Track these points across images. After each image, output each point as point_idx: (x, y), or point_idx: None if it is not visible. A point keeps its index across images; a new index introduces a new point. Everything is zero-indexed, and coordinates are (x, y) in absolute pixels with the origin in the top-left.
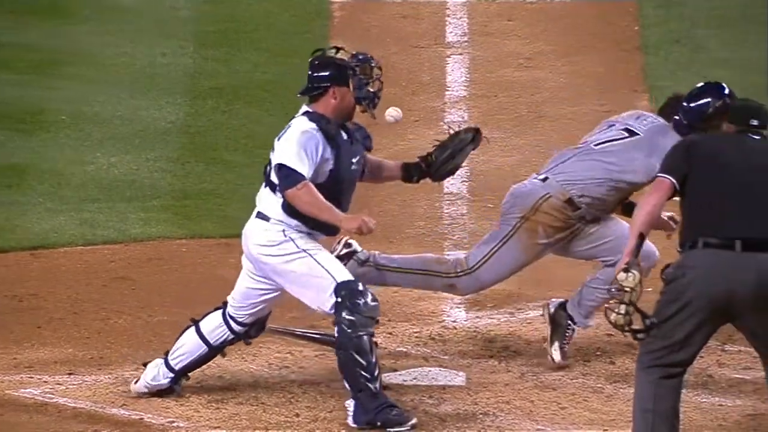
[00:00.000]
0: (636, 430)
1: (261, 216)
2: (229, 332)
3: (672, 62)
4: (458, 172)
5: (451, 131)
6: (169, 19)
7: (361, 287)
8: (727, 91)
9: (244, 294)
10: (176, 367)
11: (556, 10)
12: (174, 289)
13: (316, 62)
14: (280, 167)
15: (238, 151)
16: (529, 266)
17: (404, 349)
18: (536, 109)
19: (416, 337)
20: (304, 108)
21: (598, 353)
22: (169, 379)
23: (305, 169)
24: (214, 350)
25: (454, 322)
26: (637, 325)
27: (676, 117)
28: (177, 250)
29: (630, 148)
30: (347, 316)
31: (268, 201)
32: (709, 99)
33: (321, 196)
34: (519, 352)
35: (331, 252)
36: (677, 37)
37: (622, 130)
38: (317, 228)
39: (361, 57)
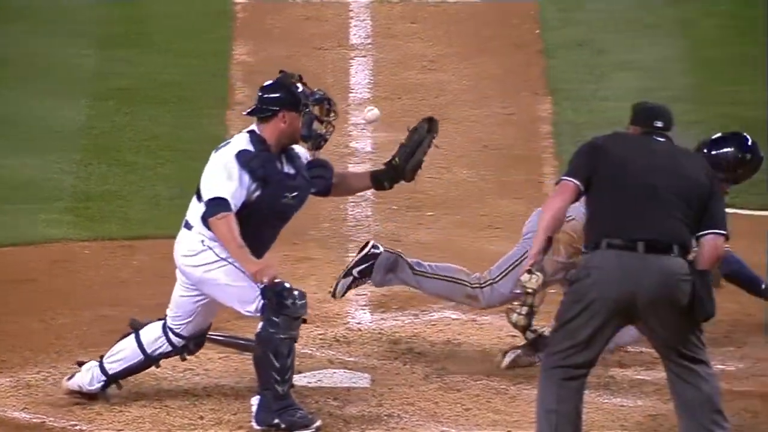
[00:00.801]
0: (539, 431)
1: (186, 225)
2: (167, 344)
3: (574, 65)
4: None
5: (408, 129)
6: (71, 19)
7: (287, 286)
8: (750, 144)
9: (179, 303)
10: (110, 372)
11: (458, 13)
12: (77, 291)
13: (268, 84)
14: (207, 192)
15: (140, 153)
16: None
17: (309, 351)
18: (440, 111)
19: (321, 339)
20: (252, 126)
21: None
22: (101, 383)
23: (230, 199)
24: (150, 360)
25: (358, 324)
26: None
27: None
28: (80, 252)
29: None
30: (272, 318)
31: (193, 210)
32: (730, 149)
33: (237, 232)
34: (423, 354)
35: (360, 253)
36: (579, 40)
37: None
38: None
39: (319, 95)
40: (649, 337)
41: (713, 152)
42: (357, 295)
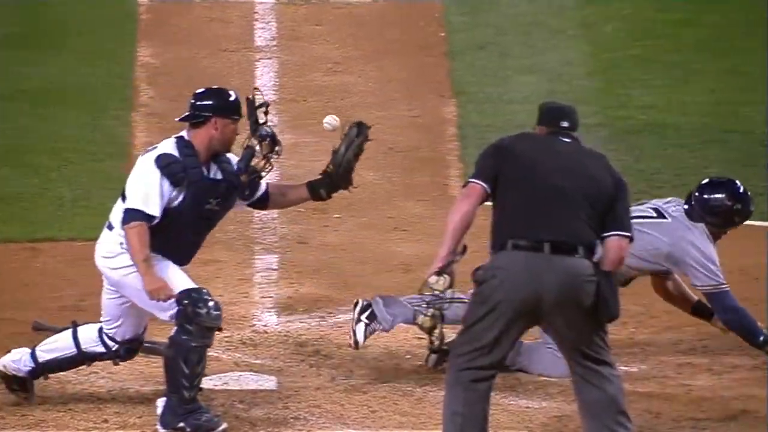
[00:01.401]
0: None
1: (108, 226)
2: (101, 345)
3: (478, 68)
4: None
5: (342, 135)
6: None
7: (204, 296)
8: (741, 193)
9: (105, 306)
10: (40, 359)
11: (363, 15)
12: None
13: (201, 91)
14: (128, 199)
15: (44, 155)
16: (337, 270)
17: (215, 354)
18: (346, 113)
19: (227, 341)
20: (183, 132)
21: (408, 356)
22: (29, 369)
23: (146, 209)
24: (82, 357)
25: (265, 326)
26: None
27: (690, 204)
28: None
29: (655, 229)
30: (186, 325)
31: (116, 211)
32: (721, 196)
33: (146, 244)
34: (330, 356)
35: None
36: (483, 43)
37: (651, 208)
38: (160, 252)
39: (265, 132)
40: (554, 339)
41: (705, 196)
42: (263, 297)
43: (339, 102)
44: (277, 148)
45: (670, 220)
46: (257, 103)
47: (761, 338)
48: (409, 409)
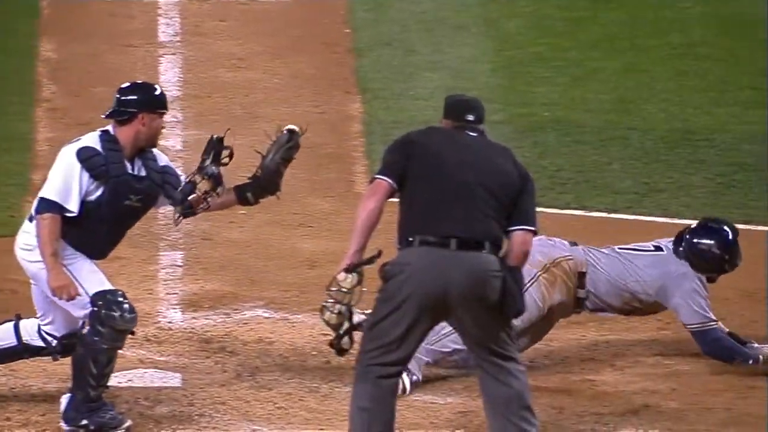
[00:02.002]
0: (352, 429)
1: (30, 217)
2: (39, 338)
3: (383, 65)
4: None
5: (271, 139)
6: None
7: (118, 298)
8: (730, 242)
9: (35, 300)
10: None
11: (268, 12)
12: None
13: (125, 86)
14: (44, 189)
15: None
16: (243, 266)
17: (119, 351)
18: (251, 109)
19: (131, 338)
20: (108, 126)
21: (314, 352)
22: None
23: (60, 200)
24: (23, 349)
25: (170, 323)
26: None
27: (680, 243)
28: None
29: (650, 261)
30: (98, 327)
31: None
32: (712, 242)
33: (55, 238)
34: (235, 353)
35: None
36: (388, 39)
37: (652, 245)
38: (75, 247)
39: (212, 172)
40: (461, 334)
41: (695, 240)
42: (168, 293)
43: (244, 98)
44: (218, 189)
45: (665, 252)
46: (224, 145)
47: (750, 361)
48: (316, 405)
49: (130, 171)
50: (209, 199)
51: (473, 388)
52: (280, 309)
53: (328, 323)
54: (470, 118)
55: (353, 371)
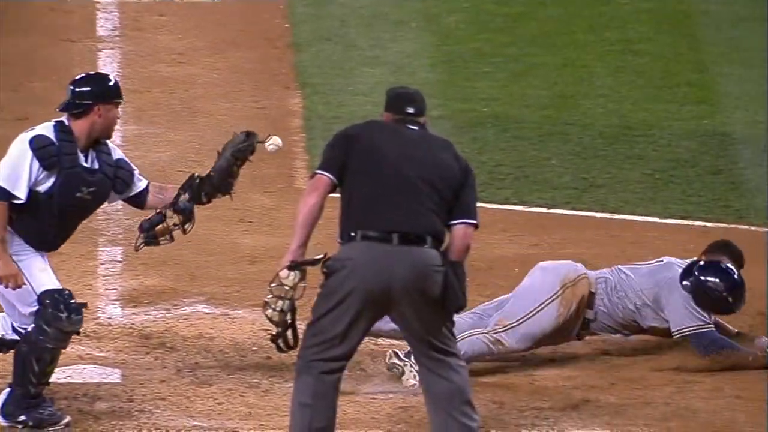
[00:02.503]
0: (293, 424)
1: None
2: (15, 334)
3: (323, 60)
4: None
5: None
6: None
7: (66, 299)
8: (739, 283)
9: None
10: None
11: (207, 6)
12: None
13: (80, 78)
14: None
15: None
16: (183, 262)
17: None
18: (191, 104)
19: None
20: (63, 117)
21: (254, 348)
22: None
23: (8, 187)
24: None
25: (109, 318)
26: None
27: (687, 280)
28: None
29: (647, 271)
30: (43, 326)
31: None
32: (719, 282)
33: (3, 225)
34: (175, 348)
35: None
36: (328, 35)
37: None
38: (25, 239)
39: (183, 207)
40: (402, 330)
41: (703, 277)
42: (107, 289)
43: (183, 93)
44: (186, 226)
45: (664, 262)
46: (204, 188)
47: (751, 357)
48: (256, 401)
49: (83, 163)
50: (173, 233)
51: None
52: (221, 304)
53: (270, 320)
54: (410, 110)
55: (295, 366)
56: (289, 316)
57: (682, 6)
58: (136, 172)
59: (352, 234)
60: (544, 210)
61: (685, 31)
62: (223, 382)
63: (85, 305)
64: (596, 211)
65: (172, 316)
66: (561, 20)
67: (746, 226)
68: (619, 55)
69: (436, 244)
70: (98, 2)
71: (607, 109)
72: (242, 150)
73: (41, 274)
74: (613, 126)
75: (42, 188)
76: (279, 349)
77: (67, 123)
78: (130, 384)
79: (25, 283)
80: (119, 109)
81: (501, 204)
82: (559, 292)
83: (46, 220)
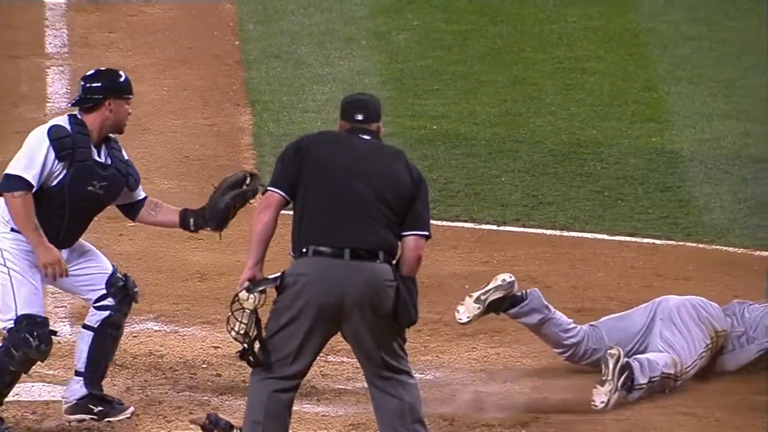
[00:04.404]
0: None
1: None
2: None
3: (273, 77)
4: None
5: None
6: None
7: (38, 328)
8: None
9: None
10: None
11: (156, 24)
12: None
13: (91, 73)
14: (11, 166)
15: None
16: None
17: None
18: (140, 121)
19: None
20: (76, 111)
21: (204, 366)
22: None
23: (29, 177)
24: None
25: (58, 336)
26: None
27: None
28: None
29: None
30: (11, 348)
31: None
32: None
33: (32, 213)
34: (125, 366)
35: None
36: (277, 52)
37: None
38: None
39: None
40: (354, 347)
41: None
42: (56, 307)
43: (133, 109)
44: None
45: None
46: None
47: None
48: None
49: (95, 157)
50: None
51: (364, 400)
52: (171, 322)
53: (235, 339)
54: (359, 117)
55: (247, 384)
56: (253, 332)
57: (630, 25)
58: None
59: (304, 250)
60: (494, 227)
61: (633, 49)
62: (173, 400)
63: (55, 333)
64: (546, 228)
65: (123, 333)
66: (510, 38)
67: (694, 244)
68: (569, 73)
69: (387, 258)
70: (47, 18)
71: (556, 127)
72: (244, 194)
73: (31, 296)
74: (563, 143)
75: (54, 181)
76: (249, 364)
77: (79, 116)
78: None
79: (65, 272)
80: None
81: (451, 221)
82: (710, 345)
83: (58, 215)
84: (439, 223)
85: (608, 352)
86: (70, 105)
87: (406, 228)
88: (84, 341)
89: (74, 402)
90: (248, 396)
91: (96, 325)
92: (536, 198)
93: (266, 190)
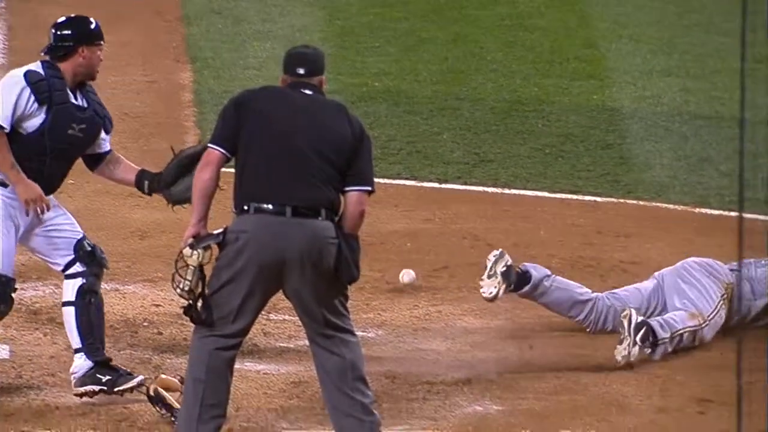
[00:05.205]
0: (186, 399)
1: None
2: None
3: (213, 33)
4: None
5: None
6: None
7: (3, 285)
8: None
9: None
10: None
11: None
12: None
13: (61, 21)
14: None
15: None
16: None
17: None
18: None
19: None
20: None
21: (146, 324)
22: None
23: (3, 119)
24: None
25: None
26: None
27: None
28: None
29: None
30: None
31: None
32: None
33: (8, 152)
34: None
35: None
36: (218, 8)
37: None
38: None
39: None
40: (295, 305)
41: None
42: None
43: None
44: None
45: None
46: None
47: None
48: (148, 375)
49: (72, 100)
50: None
51: (306, 358)
52: (111, 280)
53: (180, 296)
54: (301, 71)
55: (188, 342)
56: (198, 288)
57: None
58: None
59: (246, 207)
60: (436, 185)
61: (574, 6)
62: (114, 359)
63: (15, 290)
64: (487, 186)
65: (61, 292)
66: None
67: (635, 201)
68: (510, 30)
69: (330, 215)
70: None
71: (498, 84)
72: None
73: (2, 252)
74: (504, 101)
75: (33, 125)
76: (192, 320)
77: (49, 62)
78: (18, 360)
79: (47, 206)
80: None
81: (393, 179)
82: (724, 296)
83: (38, 161)
84: (381, 180)
85: (622, 314)
86: (42, 53)
87: (348, 183)
88: (69, 318)
89: (82, 375)
90: (190, 354)
91: (74, 298)
92: (478, 155)
93: (206, 147)
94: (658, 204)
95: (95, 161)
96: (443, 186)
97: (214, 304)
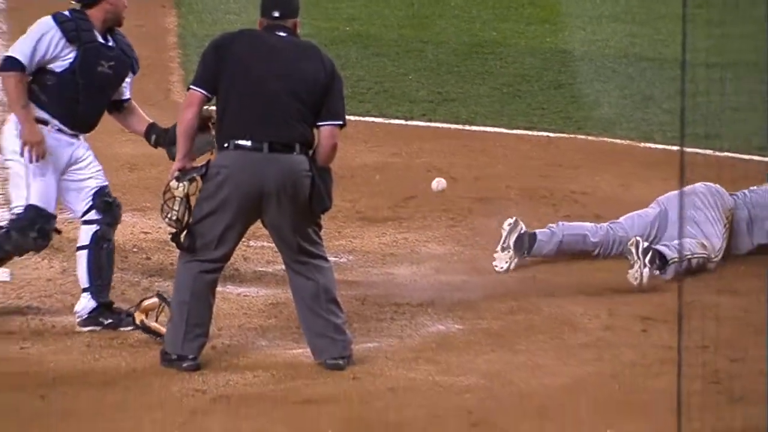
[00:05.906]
0: (173, 320)
1: None
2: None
3: None
4: None
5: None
6: None
7: (45, 222)
8: None
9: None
10: None
11: None
12: None
13: None
14: (11, 47)
15: None
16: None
17: None
18: None
19: None
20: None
21: (135, 250)
22: None
23: (24, 58)
24: None
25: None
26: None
27: None
28: None
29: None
30: (12, 231)
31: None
32: None
33: (23, 93)
34: (61, 249)
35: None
36: None
37: None
38: (56, 116)
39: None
40: (272, 234)
41: None
42: None
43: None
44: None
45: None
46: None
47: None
48: (135, 297)
49: (100, 40)
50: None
51: (283, 282)
52: None
53: (168, 225)
54: (276, 14)
55: (174, 267)
56: (186, 218)
57: None
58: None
59: (226, 144)
60: (403, 122)
61: None
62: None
63: (59, 231)
64: (450, 123)
65: (60, 219)
66: None
67: (584, 136)
68: None
69: (304, 150)
70: None
71: (459, 29)
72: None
73: (44, 190)
74: (465, 44)
75: (64, 64)
76: (179, 247)
77: (78, 10)
78: (18, 282)
79: (41, 154)
80: None
81: (362, 116)
82: (726, 225)
83: (72, 99)
84: (351, 118)
85: (627, 244)
86: (73, 1)
87: (321, 119)
88: (82, 259)
89: (86, 315)
90: (175, 278)
91: (89, 242)
92: (441, 95)
93: (188, 88)
94: (605, 139)
95: (115, 107)
96: (409, 123)
97: (197, 232)
